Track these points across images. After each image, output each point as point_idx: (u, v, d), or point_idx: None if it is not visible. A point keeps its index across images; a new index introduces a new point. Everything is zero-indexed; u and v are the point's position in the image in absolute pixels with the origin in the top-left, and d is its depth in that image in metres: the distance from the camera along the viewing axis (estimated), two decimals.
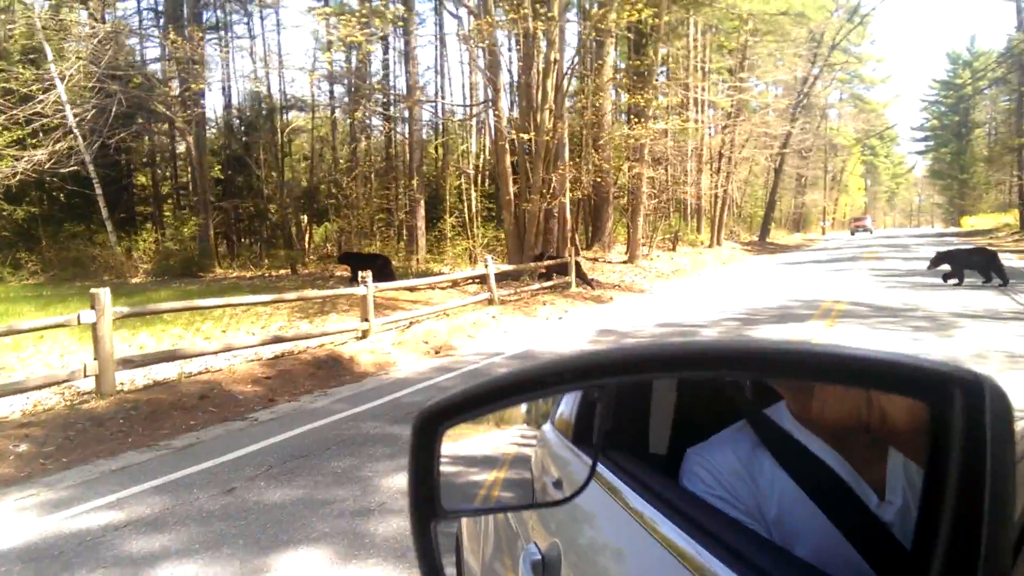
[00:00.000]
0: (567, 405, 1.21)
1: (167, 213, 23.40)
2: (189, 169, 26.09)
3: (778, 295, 13.59)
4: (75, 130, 20.44)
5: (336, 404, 6.59)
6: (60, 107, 19.32)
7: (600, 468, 1.01)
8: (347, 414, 6.12)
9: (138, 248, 21.28)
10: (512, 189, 16.30)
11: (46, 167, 19.36)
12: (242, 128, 27.51)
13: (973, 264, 13.66)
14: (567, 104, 17.40)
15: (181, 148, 26.87)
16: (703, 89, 30.83)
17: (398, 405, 6.40)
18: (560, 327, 11.11)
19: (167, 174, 28.69)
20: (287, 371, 7.56)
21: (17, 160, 18.12)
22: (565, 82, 17.11)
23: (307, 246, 26.06)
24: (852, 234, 56.48)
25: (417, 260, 21.96)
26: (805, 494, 0.80)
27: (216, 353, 7.39)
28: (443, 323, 10.96)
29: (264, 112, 27.67)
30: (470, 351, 9.23)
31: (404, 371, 8.11)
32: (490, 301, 12.71)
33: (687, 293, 15.86)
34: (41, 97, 17.90)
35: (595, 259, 22.89)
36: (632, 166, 21.29)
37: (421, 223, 24.57)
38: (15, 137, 19.06)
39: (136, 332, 9.60)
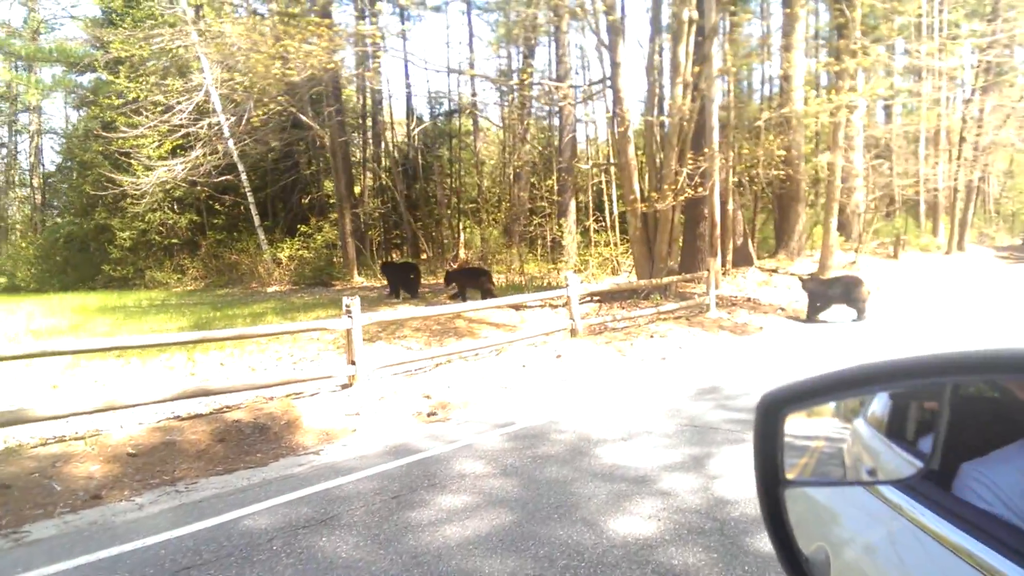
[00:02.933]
0: (880, 403, 1.22)
1: (321, 221, 23.32)
2: (364, 176, 26.13)
3: None
4: (229, 140, 20.92)
5: (163, 515, 4.35)
6: (212, 116, 19.70)
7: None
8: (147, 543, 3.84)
9: (283, 255, 21.25)
10: (638, 187, 13.10)
11: (199, 176, 19.91)
12: (418, 137, 26.88)
13: None
14: (715, 76, 13.68)
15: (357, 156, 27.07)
16: (939, 53, 24.41)
17: (226, 534, 3.98)
18: (648, 376, 7.94)
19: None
20: (173, 443, 5.49)
21: (169, 170, 18.64)
22: (712, 47, 13.48)
23: (458, 253, 24.66)
24: None
25: (557, 270, 19.37)
26: None
27: (89, 414, 5.51)
28: (480, 367, 8.36)
29: (441, 118, 27.01)
30: (475, 416, 6.54)
31: (353, 448, 5.69)
32: (572, 332, 9.80)
33: (890, 322, 11.53)
34: (179, 106, 18.15)
35: (773, 270, 18.60)
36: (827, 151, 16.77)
37: (572, 227, 21.95)
38: (169, 148, 19.76)
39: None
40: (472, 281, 14.30)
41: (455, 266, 18.77)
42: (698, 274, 12.80)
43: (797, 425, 1.03)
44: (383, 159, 27.79)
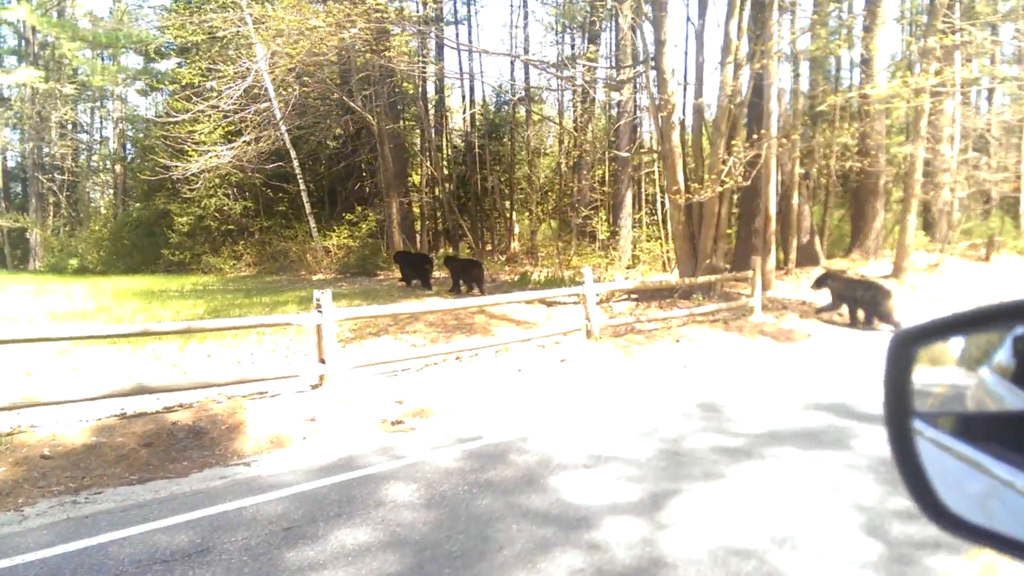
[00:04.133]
0: (1006, 352, 1.13)
1: (367, 210, 23.00)
2: (423, 165, 25.80)
3: None
4: (281, 125, 20.92)
5: (39, 532, 3.86)
6: (262, 101, 19.66)
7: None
8: None
9: (332, 244, 21.11)
10: (682, 178, 12.00)
11: (250, 162, 19.99)
12: (480, 127, 26.27)
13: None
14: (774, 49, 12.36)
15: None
16: None
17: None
18: (656, 387, 7.01)
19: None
20: (96, 446, 5.03)
21: (217, 156, 18.70)
22: (772, 21, 12.21)
23: (510, 244, 23.92)
24: None
25: (608, 264, 18.37)
26: None
27: (7, 410, 5.11)
28: (475, 369, 7.64)
29: (504, 106, 26.33)
30: (444, 426, 5.83)
31: (291, 460, 5.09)
32: (588, 334, 8.92)
33: None
34: (228, 90, 18.13)
35: (841, 271, 17.01)
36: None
37: (627, 219, 20.87)
38: (222, 133, 19.88)
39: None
40: (463, 273, 14.05)
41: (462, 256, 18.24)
42: (744, 273, 11.60)
43: (922, 374, 1.04)
44: (444, 148, 27.40)
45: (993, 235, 22.96)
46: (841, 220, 22.98)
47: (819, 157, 18.02)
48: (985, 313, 0.92)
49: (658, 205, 20.00)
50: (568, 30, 27.20)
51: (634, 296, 12.66)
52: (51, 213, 36.86)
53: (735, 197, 13.23)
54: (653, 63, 11.98)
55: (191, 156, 19.10)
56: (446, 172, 26.99)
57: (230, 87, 18.59)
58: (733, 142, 11.42)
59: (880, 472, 4.22)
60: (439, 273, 16.67)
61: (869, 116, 17.29)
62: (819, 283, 11.71)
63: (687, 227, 12.35)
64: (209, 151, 18.47)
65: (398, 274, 17.87)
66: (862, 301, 10.90)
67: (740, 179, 11.02)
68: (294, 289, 16.33)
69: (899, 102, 16.86)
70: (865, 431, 5.12)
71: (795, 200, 16.76)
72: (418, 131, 26.08)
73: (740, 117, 11.76)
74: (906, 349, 0.98)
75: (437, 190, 25.23)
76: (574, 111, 28.53)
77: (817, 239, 18.04)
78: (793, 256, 16.92)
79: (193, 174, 19.06)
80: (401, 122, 24.14)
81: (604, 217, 21.31)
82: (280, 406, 6.03)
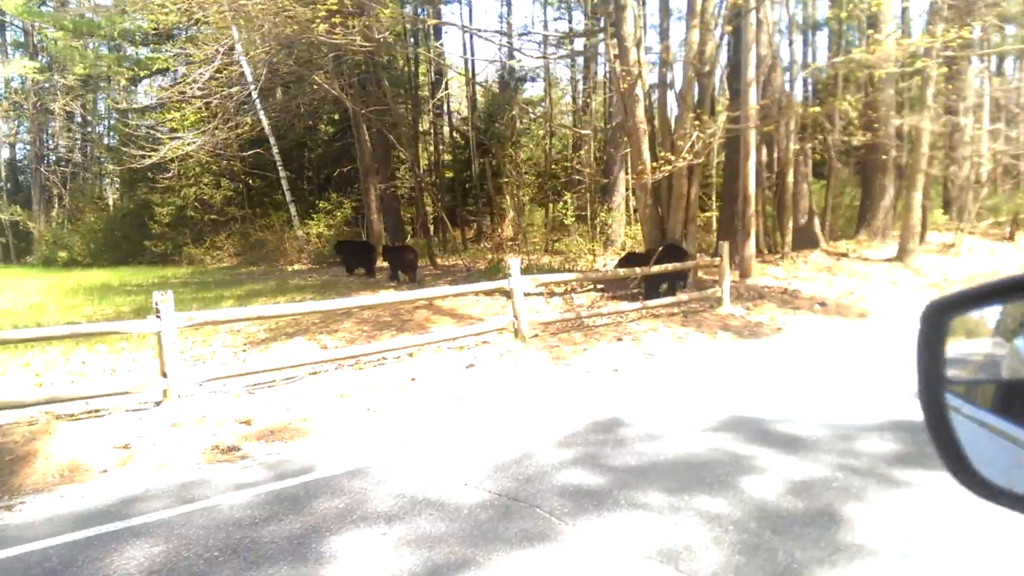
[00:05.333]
0: None
1: (342, 197, 22.06)
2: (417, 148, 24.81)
3: None
4: (260, 112, 20.14)
5: None
6: (239, 85, 18.85)
7: None
8: None
9: (312, 233, 20.35)
10: (648, 156, 10.86)
11: (226, 150, 19.27)
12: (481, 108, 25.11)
13: None
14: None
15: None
16: None
17: None
18: (565, 399, 5.99)
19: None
20: None
21: (188, 142, 17.97)
22: None
23: (500, 230, 22.86)
24: None
25: (593, 251, 17.26)
26: None
27: None
28: (366, 378, 6.72)
29: (503, 84, 25.17)
30: (284, 454, 4.91)
31: (74, 500, 4.24)
32: (516, 332, 7.92)
33: None
34: (196, 74, 17.32)
35: (842, 254, 15.71)
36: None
37: (621, 202, 19.74)
38: (193, 120, 19.15)
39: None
40: (399, 260, 13.81)
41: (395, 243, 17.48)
42: (711, 260, 10.46)
43: (955, 346, 1.04)
44: (446, 132, 26.40)
45: (1019, 212, 21.27)
46: (854, 199, 21.48)
47: (820, 131, 16.60)
48: (1008, 285, 0.92)
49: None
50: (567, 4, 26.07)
51: (600, 287, 11.62)
52: (55, 205, 36.85)
53: (716, 179, 12.04)
54: (613, 30, 10.82)
55: (163, 143, 18.40)
56: (446, 158, 26.04)
57: (201, 72, 17.82)
58: (702, 115, 10.25)
59: (750, 529, 3.20)
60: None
61: (873, 85, 15.87)
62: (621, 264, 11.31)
63: (655, 210, 11.24)
64: (178, 137, 17.73)
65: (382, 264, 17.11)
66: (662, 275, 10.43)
67: (704, 156, 9.85)
68: (260, 281, 15.62)
69: (908, 67, 15.45)
70: (769, 462, 4.08)
71: (789, 179, 15.45)
72: (411, 115, 25.11)
73: (710, 87, 10.57)
74: (940, 318, 0.98)
75: (433, 176, 24.32)
76: (572, 89, 27.34)
77: (817, 220, 16.68)
78: (789, 239, 15.65)
79: (167, 161, 18.38)
80: (390, 104, 23.18)
81: (596, 200, 20.15)
82: (100, 429, 5.18)
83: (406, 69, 24.96)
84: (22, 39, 36.15)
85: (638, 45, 11.04)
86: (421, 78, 25.55)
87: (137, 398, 5.69)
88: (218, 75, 17.86)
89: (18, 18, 27.06)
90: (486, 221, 23.31)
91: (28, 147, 35.31)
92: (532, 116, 25.50)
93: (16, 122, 34.79)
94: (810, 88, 22.34)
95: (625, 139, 18.96)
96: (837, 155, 17.52)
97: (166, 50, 18.82)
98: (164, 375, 5.61)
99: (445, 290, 8.64)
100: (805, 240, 16.23)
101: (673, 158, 9.88)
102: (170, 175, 19.50)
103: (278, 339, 8.60)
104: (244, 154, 20.02)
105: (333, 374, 6.86)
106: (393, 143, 19.62)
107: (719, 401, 5.63)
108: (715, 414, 5.23)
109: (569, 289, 11.31)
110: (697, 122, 9.96)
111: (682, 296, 10.12)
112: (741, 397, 5.74)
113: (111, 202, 37.19)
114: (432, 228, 23.97)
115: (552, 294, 11.22)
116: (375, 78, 19.99)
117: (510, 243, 20.05)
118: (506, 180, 21.19)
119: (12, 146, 38.92)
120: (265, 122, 20.20)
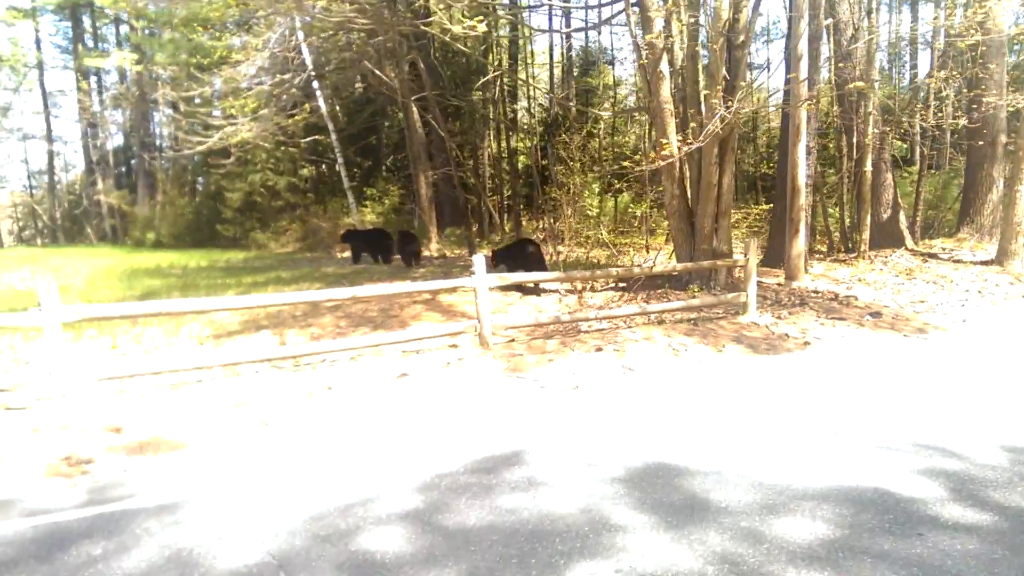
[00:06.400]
0: None
1: (390, 185, 21.71)
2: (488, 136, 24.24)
3: None
4: (319, 95, 20.13)
5: None
6: (293, 71, 18.87)
7: None
8: None
9: (366, 220, 20.18)
10: (676, 140, 9.62)
11: (286, 136, 19.38)
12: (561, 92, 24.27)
13: None
14: None
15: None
16: None
17: None
18: (490, 421, 5.12)
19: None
20: None
21: (240, 127, 18.13)
22: None
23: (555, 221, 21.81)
24: None
25: (646, 246, 16.01)
26: None
27: None
28: (288, 380, 6.09)
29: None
30: (133, 471, 4.34)
31: None
32: (480, 339, 7.06)
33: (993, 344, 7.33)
34: (249, 62, 17.39)
35: (932, 255, 13.68)
36: None
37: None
38: (253, 107, 19.33)
39: None
40: (374, 245, 14.15)
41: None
42: (730, 261, 9.09)
43: None
44: (529, 115, 25.59)
45: None
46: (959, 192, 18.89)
47: (910, 113, 14.51)
48: None
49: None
50: None
51: (621, 285, 10.52)
52: (160, 190, 39.12)
53: (759, 167, 10.61)
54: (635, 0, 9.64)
55: (213, 130, 18.66)
56: (523, 144, 25.26)
57: (254, 60, 17.89)
58: (730, 86, 8.91)
59: None
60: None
61: (980, 55, 13.63)
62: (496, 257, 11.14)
63: (682, 202, 9.99)
64: (232, 123, 17.90)
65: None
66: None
67: (727, 135, 8.54)
68: (296, 268, 15.48)
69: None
70: (638, 537, 3.06)
71: (868, 166, 13.57)
72: (484, 99, 24.46)
73: (743, 61, 9.19)
74: None
75: (503, 164, 23.62)
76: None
77: (903, 215, 14.64)
78: (867, 236, 13.79)
79: (228, 147, 18.65)
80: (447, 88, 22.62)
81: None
82: None
83: (474, 53, 24.33)
84: (118, 31, 38.31)
85: (672, 16, 9.81)
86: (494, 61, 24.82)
87: (16, 397, 5.32)
88: (273, 62, 17.88)
89: (108, 8, 28.51)
90: (551, 209, 22.41)
91: (133, 135, 37.39)
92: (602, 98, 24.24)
93: (125, 111, 36.96)
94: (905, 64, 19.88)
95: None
96: (932, 141, 15.31)
97: (226, 39, 19.16)
98: (52, 373, 5.20)
99: (375, 289, 7.65)
100: (888, 237, 14.31)
101: (682, 140, 8.61)
102: (230, 161, 19.82)
103: (247, 331, 8.18)
104: (303, 140, 20.06)
105: (261, 375, 6.29)
106: (452, 129, 19.11)
107: (657, 438, 4.58)
108: (638, 456, 4.21)
109: (581, 289, 10.32)
110: (723, 95, 8.61)
111: (695, 300, 8.87)
112: (688, 434, 4.65)
113: (197, 187, 39.22)
114: (491, 217, 23.31)
115: (573, 292, 10.27)
116: (430, 62, 19.46)
117: (564, 233, 19.06)
118: (562, 168, 20.12)
119: (126, 134, 41.53)
120: (324, 107, 20.18)
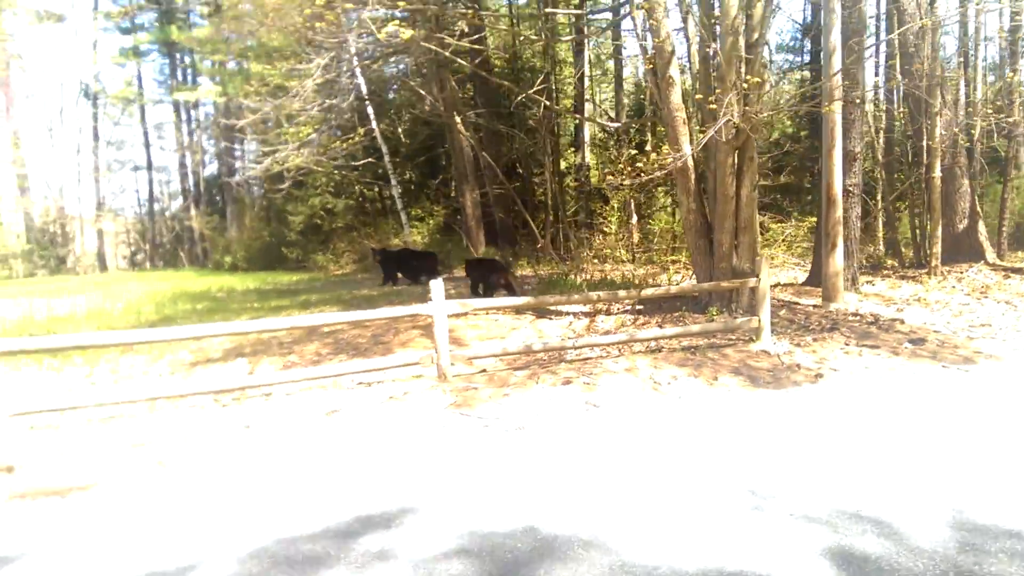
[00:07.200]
0: None
1: (434, 205, 21.53)
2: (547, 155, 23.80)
3: None
4: (372, 118, 20.35)
5: None
6: (346, 95, 19.16)
7: None
8: None
9: (415, 241, 20.13)
10: (689, 149, 8.79)
11: (340, 160, 19.67)
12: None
13: None
14: None
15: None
16: None
17: None
18: (407, 469, 4.60)
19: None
20: None
21: (292, 153, 18.52)
22: None
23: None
24: None
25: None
26: None
27: None
28: (219, 417, 5.78)
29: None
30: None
31: None
32: (439, 372, 6.53)
33: None
34: (305, 84, 17.76)
35: (1014, 270, 12.01)
36: None
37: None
38: (308, 132, 19.75)
39: None
40: (406, 267, 14.05)
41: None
42: (743, 282, 8.10)
43: None
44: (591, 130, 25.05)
45: None
46: None
47: (993, 112, 12.86)
48: None
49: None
50: None
51: (639, 307, 9.75)
52: (246, 215, 41.06)
53: (780, 175, 9.64)
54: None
55: (278, 149, 19.12)
56: (591, 160, 24.64)
57: (304, 85, 18.25)
58: (747, 81, 8.01)
59: None
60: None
61: None
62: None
63: (699, 216, 9.12)
64: (281, 149, 18.31)
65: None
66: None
67: (742, 140, 7.66)
68: (336, 290, 15.50)
69: None
70: None
71: (937, 171, 12.10)
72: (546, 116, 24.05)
73: (757, 59, 8.28)
74: None
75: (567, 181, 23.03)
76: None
77: (982, 225, 12.97)
78: (938, 249, 12.28)
79: (284, 172, 19.11)
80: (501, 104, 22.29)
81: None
82: None
83: (536, 67, 23.97)
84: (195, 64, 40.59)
85: (685, 17, 9.07)
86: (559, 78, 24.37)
87: None
88: (327, 87, 18.15)
89: (181, 42, 30.20)
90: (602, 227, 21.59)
91: (221, 163, 39.47)
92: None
93: (211, 140, 39.14)
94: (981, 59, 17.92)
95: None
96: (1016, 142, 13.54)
97: (279, 67, 19.80)
98: None
99: (308, 320, 7.10)
100: (963, 251, 12.74)
101: (679, 149, 7.79)
102: (287, 185, 20.29)
103: (227, 359, 8.03)
104: (357, 164, 20.31)
105: (181, 411, 6.02)
106: (502, 150, 18.76)
107: (552, 495, 3.91)
108: (514, 518, 3.58)
109: (595, 312, 9.63)
110: (738, 98, 7.75)
111: (680, 327, 7.98)
112: (593, 490, 3.96)
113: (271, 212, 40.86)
114: (546, 237, 22.65)
115: (598, 313, 9.62)
116: (481, 80, 19.22)
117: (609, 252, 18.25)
118: (609, 185, 19.32)
119: (219, 162, 44.02)
120: (377, 131, 20.36)
